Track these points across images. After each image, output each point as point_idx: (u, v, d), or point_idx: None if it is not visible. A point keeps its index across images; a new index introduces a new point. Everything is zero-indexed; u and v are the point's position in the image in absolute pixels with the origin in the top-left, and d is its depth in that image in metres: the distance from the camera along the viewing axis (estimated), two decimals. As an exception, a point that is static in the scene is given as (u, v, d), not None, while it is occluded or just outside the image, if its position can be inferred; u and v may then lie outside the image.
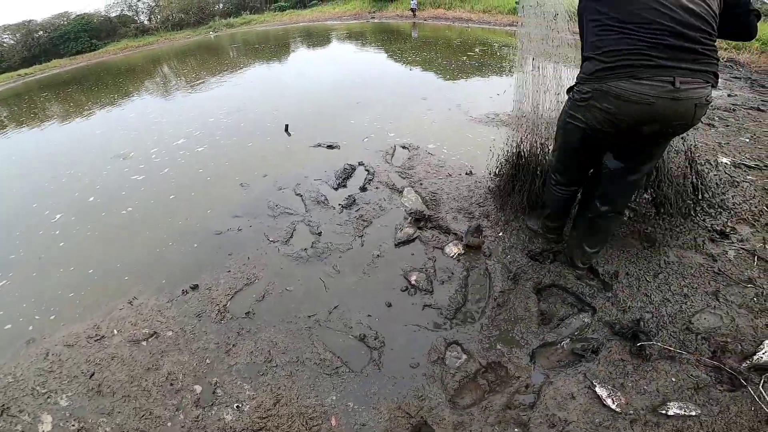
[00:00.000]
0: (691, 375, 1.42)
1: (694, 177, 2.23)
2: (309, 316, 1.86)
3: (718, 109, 4.01)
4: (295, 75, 8.02)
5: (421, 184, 2.88)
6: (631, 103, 1.38)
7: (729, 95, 4.60)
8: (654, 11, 1.35)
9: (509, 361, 1.55)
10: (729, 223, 2.13)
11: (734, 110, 4.01)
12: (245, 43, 16.79)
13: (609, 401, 1.37)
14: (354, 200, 2.74)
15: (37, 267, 2.59)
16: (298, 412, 1.47)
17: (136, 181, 3.59)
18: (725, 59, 6.45)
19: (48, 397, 1.66)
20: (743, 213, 2.22)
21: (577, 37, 1.74)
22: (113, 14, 31.55)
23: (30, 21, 29.63)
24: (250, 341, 1.77)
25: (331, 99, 5.55)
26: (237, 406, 1.51)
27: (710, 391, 1.37)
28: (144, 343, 1.84)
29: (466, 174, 2.91)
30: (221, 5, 33.62)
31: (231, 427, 1.46)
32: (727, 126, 3.55)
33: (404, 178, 2.99)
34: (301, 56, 11.20)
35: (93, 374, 1.72)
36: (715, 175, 2.60)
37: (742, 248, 1.95)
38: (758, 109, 4.00)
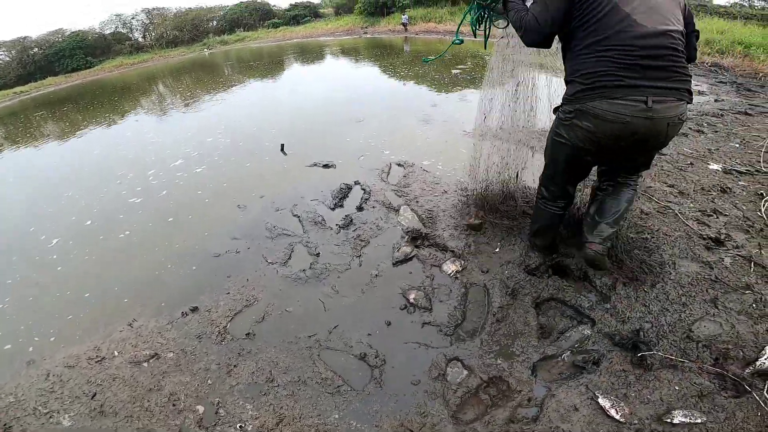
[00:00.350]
0: (695, 383, 1.42)
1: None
2: (309, 336, 1.86)
3: (706, 115, 4.08)
4: (289, 92, 8.13)
5: (417, 201, 2.89)
6: (608, 122, 1.47)
7: (716, 100, 4.68)
8: (625, 34, 1.43)
9: (510, 375, 1.55)
10: (723, 230, 2.15)
11: (722, 115, 4.07)
12: (239, 60, 17.00)
13: (612, 412, 1.37)
14: (351, 220, 2.75)
15: (33, 291, 2.57)
16: (301, 431, 1.46)
17: (134, 204, 3.59)
18: (709, 64, 6.58)
19: (50, 417, 1.66)
20: (737, 219, 2.25)
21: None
22: (107, 31, 31.90)
23: (25, 38, 29.86)
24: (251, 361, 1.77)
25: (325, 116, 5.61)
26: (240, 426, 1.50)
27: (715, 398, 1.36)
28: (145, 364, 1.84)
29: (462, 190, 2.94)
30: (215, 22, 34.12)
31: (234, 447, 1.45)
32: (716, 132, 3.61)
33: (400, 197, 3.00)
34: (296, 73, 11.34)
35: (95, 395, 1.72)
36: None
37: (738, 255, 1.96)
38: (746, 113, 4.06)
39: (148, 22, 33.03)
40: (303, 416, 1.51)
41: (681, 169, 2.89)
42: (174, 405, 1.62)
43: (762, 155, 3.00)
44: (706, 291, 1.78)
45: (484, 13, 2.10)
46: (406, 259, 2.30)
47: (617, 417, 1.35)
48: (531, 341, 1.68)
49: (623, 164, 1.73)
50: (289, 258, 2.48)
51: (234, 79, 11.26)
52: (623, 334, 1.63)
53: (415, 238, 2.42)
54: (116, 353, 1.92)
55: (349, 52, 14.11)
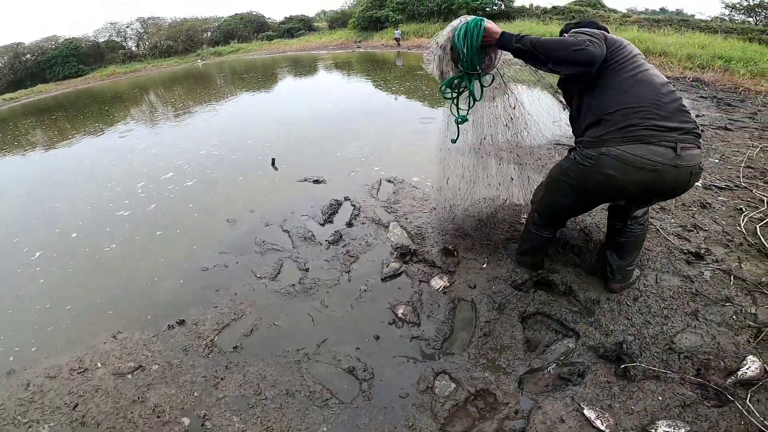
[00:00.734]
0: (678, 393, 1.44)
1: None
2: (298, 350, 1.86)
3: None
4: (282, 105, 8.17)
5: (406, 218, 2.91)
6: (638, 169, 1.43)
7: (697, 115, 4.81)
8: (648, 75, 1.52)
9: (497, 388, 1.56)
10: (703, 245, 2.21)
11: (703, 131, 4.20)
12: (233, 72, 17.10)
13: (598, 423, 1.38)
14: (341, 236, 2.76)
15: (14, 304, 2.54)
16: None
17: (122, 217, 3.56)
18: (691, 79, 6.78)
19: (29, 427, 1.63)
20: (717, 234, 2.31)
21: None
22: (101, 39, 31.88)
23: (18, 44, 29.69)
24: (238, 374, 1.76)
25: (317, 130, 5.64)
26: None
27: (698, 408, 1.39)
28: (129, 375, 1.82)
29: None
30: (209, 33, 34.35)
31: (222, 460, 1.43)
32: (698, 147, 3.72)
33: (390, 213, 3.02)
34: (289, 86, 11.43)
35: (76, 405, 1.69)
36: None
37: (718, 269, 2.01)
38: (726, 128, 4.19)
39: (143, 31, 33.11)
40: (291, 429, 1.51)
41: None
42: (159, 417, 1.61)
43: (741, 170, 3.09)
44: (687, 304, 1.82)
45: (469, 82, 1.89)
46: (395, 275, 2.31)
47: (603, 428, 1.36)
48: (517, 354, 1.70)
49: (635, 204, 1.73)
50: (278, 272, 2.48)
51: (227, 91, 11.30)
52: (607, 347, 1.65)
53: (404, 254, 2.44)
54: (99, 364, 1.90)
55: (343, 65, 14.28)
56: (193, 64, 25.70)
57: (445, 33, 1.85)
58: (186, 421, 1.58)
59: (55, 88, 23.18)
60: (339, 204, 3.25)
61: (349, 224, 2.93)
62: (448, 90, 1.97)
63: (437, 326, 1.91)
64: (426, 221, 2.83)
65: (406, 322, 1.96)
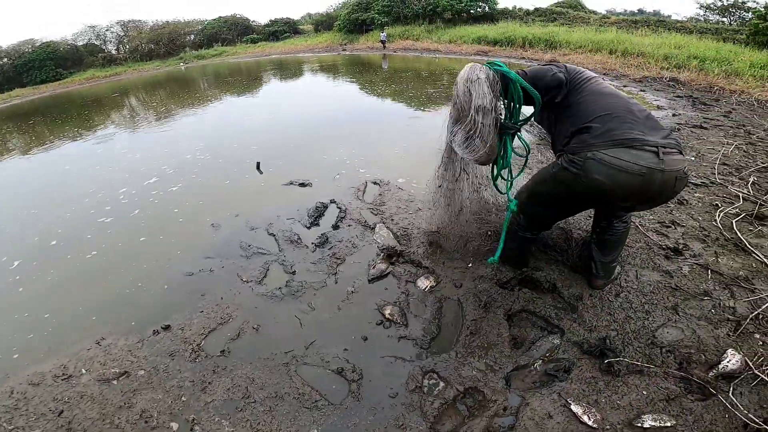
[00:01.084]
0: (661, 387, 1.47)
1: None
2: (286, 353, 1.85)
3: (664, 130, 4.32)
4: (268, 108, 8.12)
5: (392, 219, 2.93)
6: (623, 173, 1.45)
7: (674, 114, 4.96)
8: (611, 92, 1.67)
9: (486, 386, 1.58)
10: (681, 240, 2.27)
11: (679, 129, 4.32)
12: (217, 76, 16.89)
13: (585, 418, 1.40)
14: (327, 238, 2.75)
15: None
16: None
17: (104, 223, 3.48)
18: (668, 79, 6.97)
19: None
20: (694, 230, 2.37)
21: None
22: (80, 43, 31.13)
23: None
24: (226, 378, 1.75)
25: (303, 133, 5.63)
26: None
27: (682, 401, 1.42)
28: (115, 381, 1.79)
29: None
30: (192, 36, 33.85)
31: (212, 464, 1.41)
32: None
33: (376, 215, 3.03)
34: (274, 89, 11.36)
35: (62, 412, 1.66)
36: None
37: (696, 263, 2.07)
38: (701, 127, 4.32)
39: (123, 34, 32.47)
40: (281, 431, 1.50)
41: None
42: (146, 422, 1.59)
43: (716, 167, 3.20)
44: (667, 298, 1.86)
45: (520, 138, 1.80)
46: (382, 276, 2.32)
47: (590, 423, 1.38)
48: (504, 352, 1.72)
49: (612, 213, 1.80)
50: (265, 276, 2.46)
51: (212, 95, 11.17)
52: (591, 342, 1.68)
53: (391, 255, 2.45)
54: (83, 371, 1.87)
55: (328, 68, 14.26)
56: (175, 67, 25.30)
57: (480, 94, 1.54)
58: (174, 425, 1.56)
59: (32, 92, 22.52)
60: (325, 207, 3.24)
61: (335, 227, 2.92)
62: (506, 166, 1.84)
63: (424, 326, 1.93)
64: (412, 222, 2.85)
65: (394, 323, 1.96)
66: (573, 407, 1.44)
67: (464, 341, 1.80)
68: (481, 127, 1.63)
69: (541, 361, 1.66)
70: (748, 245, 2.16)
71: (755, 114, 4.73)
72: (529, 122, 1.81)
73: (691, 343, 1.62)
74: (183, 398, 1.68)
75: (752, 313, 1.72)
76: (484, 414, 1.48)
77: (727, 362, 1.50)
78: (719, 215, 2.48)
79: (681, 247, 2.21)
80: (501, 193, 2.13)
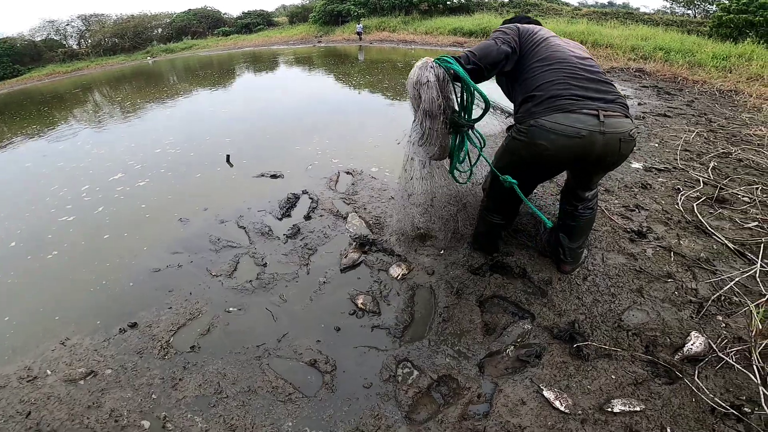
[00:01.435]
0: (629, 371, 1.49)
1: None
2: (258, 346, 1.82)
3: (631, 119, 4.44)
4: (240, 102, 7.90)
5: (365, 208, 2.90)
6: (563, 136, 1.49)
7: (639, 104, 5.11)
8: (559, 53, 1.62)
9: (459, 373, 1.58)
10: (645, 224, 2.33)
11: (644, 117, 4.46)
12: (187, 69, 16.33)
13: (557, 403, 1.40)
14: (298, 229, 2.71)
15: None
16: None
17: (65, 223, 3.31)
18: (634, 70, 7.17)
19: None
20: (657, 213, 2.45)
21: None
22: (38, 38, 29.57)
23: None
24: (197, 374, 1.70)
25: (275, 126, 5.51)
26: None
27: (650, 385, 1.43)
28: (81, 381, 1.73)
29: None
30: (160, 30, 32.59)
31: (186, 461, 1.37)
32: (638, 133, 3.95)
33: (348, 204, 3.00)
34: (248, 82, 11.07)
35: (29, 413, 1.60)
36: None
37: (659, 246, 2.12)
38: (665, 115, 4.48)
39: (84, 28, 30.94)
40: (255, 426, 1.47)
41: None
42: (116, 421, 1.54)
43: (679, 153, 3.32)
44: (632, 281, 1.90)
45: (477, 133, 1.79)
46: (354, 265, 2.30)
47: (562, 408, 1.38)
48: (477, 338, 1.73)
49: (577, 180, 1.83)
50: (235, 270, 2.40)
51: (182, 89, 10.78)
52: (561, 327, 1.70)
53: (363, 244, 2.43)
54: (49, 372, 1.80)
55: (304, 61, 14.01)
56: (142, 61, 24.31)
57: (429, 99, 1.56)
58: (146, 423, 1.52)
59: None
60: (297, 198, 3.19)
61: (307, 217, 2.88)
62: (459, 157, 1.81)
63: (397, 314, 1.92)
64: (384, 210, 2.83)
65: (367, 312, 1.95)
66: (545, 393, 1.44)
67: (437, 329, 1.80)
68: (429, 131, 1.69)
69: (512, 347, 1.67)
70: (708, 227, 2.23)
71: (716, 103, 4.93)
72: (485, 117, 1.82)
73: (656, 326, 1.64)
74: (153, 396, 1.63)
75: (714, 294, 1.76)
76: (458, 402, 1.48)
77: (691, 345, 1.53)
78: (681, 199, 2.56)
79: (645, 230, 2.26)
80: (459, 183, 2.17)
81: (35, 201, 3.86)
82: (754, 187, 2.64)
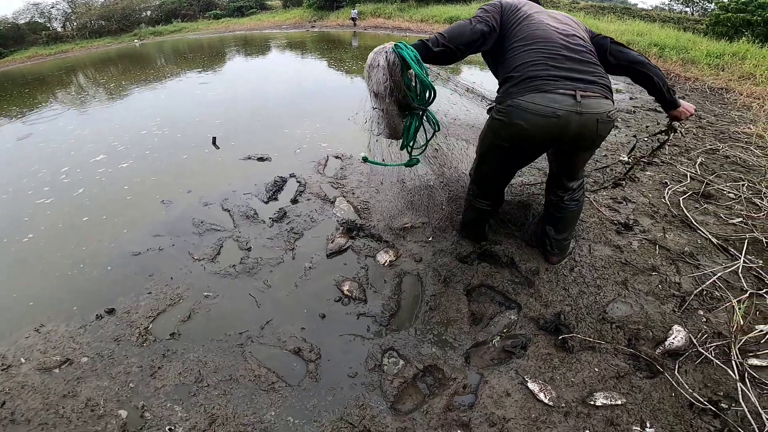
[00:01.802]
0: (612, 364, 1.48)
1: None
2: (240, 333, 1.77)
3: (620, 111, 4.45)
4: (230, 85, 7.72)
5: (353, 193, 2.86)
6: (539, 116, 1.48)
7: (631, 98, 5.12)
8: (541, 32, 1.57)
9: (445, 363, 1.57)
10: (632, 216, 2.33)
11: (635, 111, 4.47)
12: (176, 52, 15.92)
13: (541, 395, 1.39)
14: (285, 213, 2.65)
15: None
16: (237, 431, 1.39)
17: (42, 205, 3.20)
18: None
19: None
20: (644, 206, 2.45)
21: None
22: (22, 21, 28.64)
23: None
24: (177, 362, 1.66)
25: (264, 109, 5.41)
26: (169, 429, 1.40)
27: (631, 379, 1.43)
28: (56, 370, 1.67)
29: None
30: (149, 12, 31.64)
31: (165, 450, 1.34)
32: (629, 127, 3.95)
33: (336, 188, 2.96)
34: (239, 66, 10.83)
35: (4, 403, 1.54)
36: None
37: (645, 238, 2.12)
38: (656, 110, 4.48)
39: (70, 10, 29.92)
40: (237, 415, 1.44)
41: (595, 161, 3.12)
42: (92, 411, 1.49)
43: (667, 148, 3.33)
44: (618, 273, 1.90)
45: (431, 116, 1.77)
46: (341, 251, 2.26)
47: (546, 401, 1.38)
48: (463, 328, 1.71)
49: (559, 166, 1.80)
50: (218, 253, 2.34)
51: (170, 71, 10.50)
52: (546, 318, 1.69)
53: (350, 229, 2.39)
54: (23, 360, 1.74)
55: (296, 45, 13.74)
56: (129, 44, 23.62)
57: (376, 80, 1.59)
58: (123, 413, 1.47)
59: None
60: (284, 181, 3.13)
61: (294, 201, 2.83)
62: (408, 139, 1.78)
63: (384, 302, 1.89)
64: (373, 195, 2.79)
65: (353, 299, 1.92)
66: (530, 385, 1.44)
67: (424, 317, 1.78)
68: (378, 111, 1.71)
69: (499, 337, 1.66)
70: (693, 222, 2.23)
71: (707, 100, 4.95)
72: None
73: (640, 319, 1.64)
74: (131, 385, 1.58)
75: (696, 289, 1.77)
76: (444, 392, 1.46)
77: (673, 339, 1.53)
78: (668, 193, 2.56)
79: (631, 222, 2.26)
80: (410, 160, 1.98)
81: (12, 182, 3.73)
82: (740, 183, 2.65)
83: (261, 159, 3.62)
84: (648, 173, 2.89)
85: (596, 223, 2.27)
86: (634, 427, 1.29)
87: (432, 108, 1.80)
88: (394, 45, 1.57)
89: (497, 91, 1.69)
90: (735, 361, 1.42)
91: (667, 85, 1.74)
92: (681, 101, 1.84)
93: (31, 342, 1.83)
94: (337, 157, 3.53)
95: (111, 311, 1.96)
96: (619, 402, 1.36)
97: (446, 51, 1.60)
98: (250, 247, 2.36)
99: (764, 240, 2.04)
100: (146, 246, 2.46)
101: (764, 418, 1.25)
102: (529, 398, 1.41)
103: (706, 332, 1.56)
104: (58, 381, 1.62)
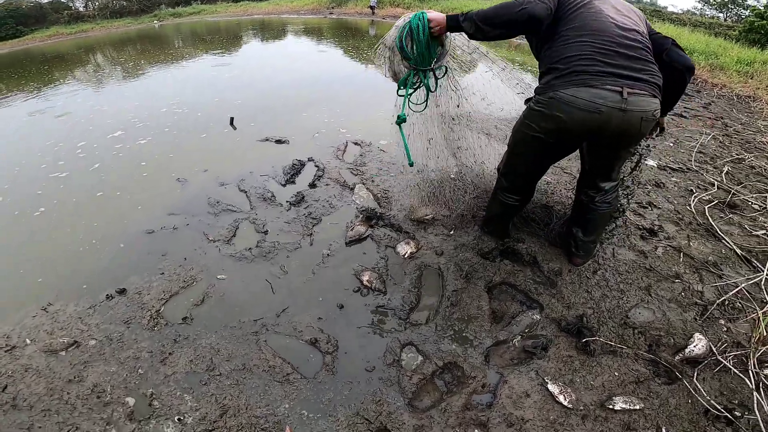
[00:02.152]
0: (632, 369, 1.47)
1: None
2: (255, 321, 1.73)
3: (647, 115, 4.35)
4: (246, 68, 7.66)
5: (372, 181, 2.81)
6: (582, 111, 1.43)
7: (657, 104, 5.02)
8: (601, 24, 1.47)
9: (465, 361, 1.53)
10: (657, 222, 2.28)
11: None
12: (194, 34, 15.85)
13: (561, 398, 1.38)
14: (303, 197, 2.61)
15: None
16: (249, 423, 1.34)
17: (56, 179, 3.18)
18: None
19: None
20: (669, 212, 2.39)
21: None
22: (45, 0, 28.77)
23: None
24: (189, 349, 1.61)
25: (283, 92, 5.37)
26: (178, 419, 1.36)
27: (650, 384, 1.41)
28: (63, 353, 1.62)
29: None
30: (170, -7, 31.52)
31: (174, 440, 1.31)
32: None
33: (356, 175, 2.91)
34: (255, 49, 10.77)
35: (6, 387, 1.50)
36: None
37: (669, 245, 2.09)
38: (681, 116, 4.39)
39: (93, -10, 29.93)
40: (249, 406, 1.39)
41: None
42: (99, 397, 1.44)
43: (693, 155, 3.25)
44: (641, 279, 1.87)
45: (423, 77, 1.90)
46: (360, 239, 2.21)
47: (565, 403, 1.36)
48: (484, 326, 1.67)
49: (594, 164, 1.73)
50: (234, 235, 2.31)
51: (188, 53, 10.46)
52: (569, 320, 1.66)
53: (370, 217, 2.34)
54: (28, 341, 1.68)
55: (313, 31, 13.63)
56: (148, 25, 23.61)
57: (391, 34, 1.84)
58: (130, 401, 1.43)
59: None
60: (302, 164, 3.09)
61: (312, 185, 2.78)
62: (402, 88, 1.92)
63: (404, 294, 1.85)
64: (393, 185, 2.75)
65: (372, 290, 1.88)
66: (550, 386, 1.42)
67: (444, 313, 1.74)
68: (385, 57, 1.95)
69: (519, 337, 1.63)
70: (718, 231, 2.20)
71: (733, 108, 4.83)
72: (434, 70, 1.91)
73: (661, 326, 1.62)
74: (140, 371, 1.53)
75: (719, 298, 1.74)
76: (463, 391, 1.43)
77: (693, 346, 1.52)
78: (694, 200, 2.52)
79: (656, 228, 2.23)
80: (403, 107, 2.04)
81: (27, 155, 3.73)
82: (765, 195, 2.59)
83: (279, 141, 3.58)
84: (674, 179, 2.83)
85: (621, 227, 2.22)
86: (649, 432, 1.28)
87: (462, 86, 1.99)
88: (415, 14, 1.73)
89: (539, 80, 1.63)
90: (752, 371, 1.41)
91: None
92: None
93: (38, 322, 1.79)
94: (356, 144, 3.48)
95: (122, 291, 1.92)
96: (637, 407, 1.34)
97: (475, 27, 1.59)
98: (267, 230, 2.32)
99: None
100: (160, 224, 2.43)
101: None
102: (548, 400, 1.38)
103: (726, 341, 1.55)
104: (64, 365, 1.57)
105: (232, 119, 4.15)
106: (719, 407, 1.32)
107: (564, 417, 1.32)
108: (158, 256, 2.16)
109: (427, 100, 2.02)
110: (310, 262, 2.07)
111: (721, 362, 1.45)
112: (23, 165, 3.51)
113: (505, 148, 1.89)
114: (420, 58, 1.80)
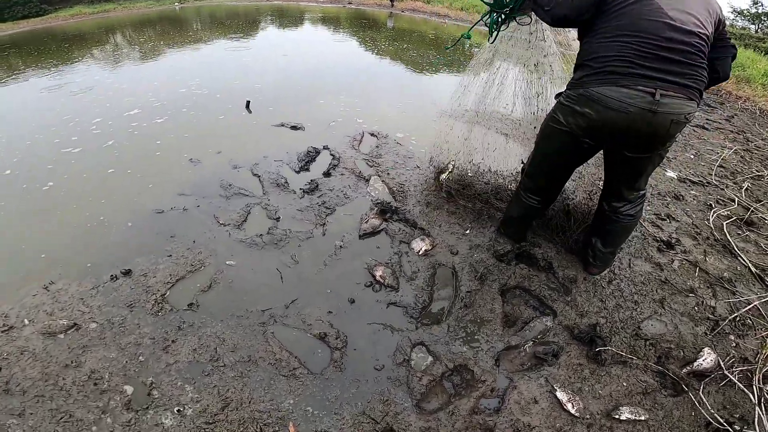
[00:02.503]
0: (640, 380, 1.47)
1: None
2: (263, 311, 1.70)
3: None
4: (264, 54, 7.60)
5: (388, 173, 2.78)
6: (611, 110, 1.41)
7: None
8: (653, 24, 1.39)
9: (475, 364, 1.51)
10: (674, 235, 2.25)
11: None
12: (213, 18, 15.76)
13: (569, 406, 1.38)
14: (317, 185, 2.58)
15: None
16: (251, 417, 1.31)
17: (68, 154, 3.15)
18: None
19: None
20: (687, 226, 2.35)
21: None
22: (69, -23, 28.68)
23: None
24: (193, 337, 1.57)
25: (300, 79, 5.32)
26: (178, 410, 1.32)
27: (656, 395, 1.42)
28: (61, 335, 1.57)
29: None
30: (193, -26, 31.28)
31: (172, 433, 1.27)
32: (675, 142, 3.78)
33: (371, 167, 2.87)
34: (274, 36, 10.67)
35: (0, 369, 1.46)
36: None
37: (686, 259, 2.06)
38: (702, 127, 4.31)
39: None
40: (253, 400, 1.36)
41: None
42: (96, 384, 1.40)
43: (714, 169, 3.18)
44: (656, 291, 1.85)
45: (500, 18, 2.00)
46: (374, 232, 2.18)
47: (572, 411, 1.37)
48: (496, 329, 1.65)
49: (621, 171, 1.67)
50: (245, 220, 2.28)
51: (207, 36, 10.40)
52: (581, 328, 1.65)
53: (385, 210, 2.31)
54: (26, 321, 1.64)
55: (331, 20, 13.49)
56: (169, 6, 23.50)
57: None
58: (129, 389, 1.39)
59: (12, 27, 20.29)
60: (317, 152, 3.06)
61: (327, 174, 2.75)
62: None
63: (416, 292, 1.83)
64: (409, 179, 2.71)
65: (384, 286, 1.85)
66: (558, 394, 1.41)
67: (457, 314, 1.72)
68: None
69: (531, 342, 1.61)
70: (735, 248, 2.17)
71: (756, 122, 4.73)
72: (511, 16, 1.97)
73: (672, 338, 1.62)
74: (140, 358, 1.50)
75: (731, 315, 1.74)
76: (471, 394, 1.41)
77: (702, 360, 1.52)
78: (712, 215, 2.48)
79: (674, 241, 2.20)
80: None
81: (39, 129, 3.69)
82: (784, 214, 2.54)
83: (294, 127, 3.55)
84: (693, 192, 2.78)
85: (638, 238, 2.19)
86: (651, 443, 1.28)
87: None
88: None
89: (573, 72, 1.60)
90: (756, 386, 1.42)
91: None
92: None
93: (38, 301, 1.74)
94: (372, 135, 3.43)
95: (127, 272, 1.87)
96: (642, 417, 1.35)
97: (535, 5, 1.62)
98: (279, 217, 2.30)
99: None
100: (170, 204, 2.40)
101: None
102: (555, 407, 1.38)
103: (734, 356, 1.55)
104: (62, 348, 1.53)
105: (248, 103, 4.11)
106: (721, 420, 1.33)
107: (570, 425, 1.32)
108: (166, 237, 2.13)
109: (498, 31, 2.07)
110: (322, 253, 2.04)
111: (727, 376, 1.46)
112: (36, 139, 3.48)
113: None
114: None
